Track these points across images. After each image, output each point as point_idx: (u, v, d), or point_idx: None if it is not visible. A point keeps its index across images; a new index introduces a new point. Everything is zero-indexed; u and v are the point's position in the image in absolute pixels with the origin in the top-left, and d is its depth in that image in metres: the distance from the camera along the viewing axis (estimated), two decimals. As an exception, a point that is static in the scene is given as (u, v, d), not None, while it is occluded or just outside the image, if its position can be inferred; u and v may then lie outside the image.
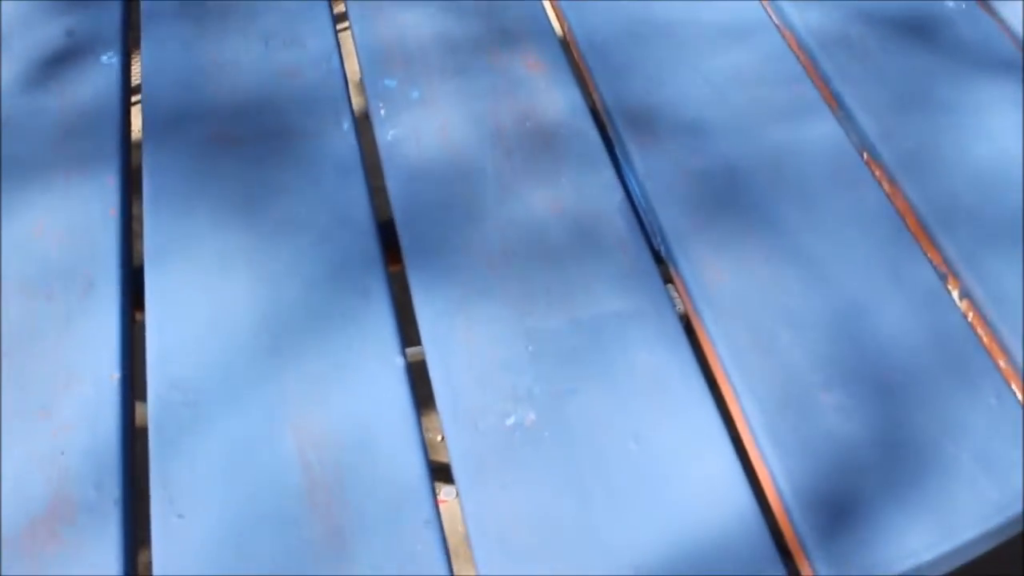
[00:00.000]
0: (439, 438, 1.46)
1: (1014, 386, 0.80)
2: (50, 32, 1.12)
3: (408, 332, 0.85)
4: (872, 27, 1.08)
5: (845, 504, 0.74)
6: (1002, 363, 0.82)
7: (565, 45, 1.10)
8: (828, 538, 0.73)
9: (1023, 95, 1.01)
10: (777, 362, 0.82)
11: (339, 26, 1.12)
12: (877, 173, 0.95)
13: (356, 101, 1.04)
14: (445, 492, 1.41)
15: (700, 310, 0.86)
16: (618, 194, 0.94)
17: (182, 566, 0.73)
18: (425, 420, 0.80)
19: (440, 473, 0.80)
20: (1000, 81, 1.02)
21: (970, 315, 0.85)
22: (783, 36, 1.08)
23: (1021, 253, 0.88)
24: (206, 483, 0.76)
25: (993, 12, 1.10)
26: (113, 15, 1.14)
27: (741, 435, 0.80)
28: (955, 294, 0.86)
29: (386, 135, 1.00)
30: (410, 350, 0.84)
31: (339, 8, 1.15)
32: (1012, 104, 1.00)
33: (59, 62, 1.08)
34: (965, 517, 0.74)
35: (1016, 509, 0.74)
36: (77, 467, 0.77)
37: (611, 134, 1.01)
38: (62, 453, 0.78)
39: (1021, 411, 0.79)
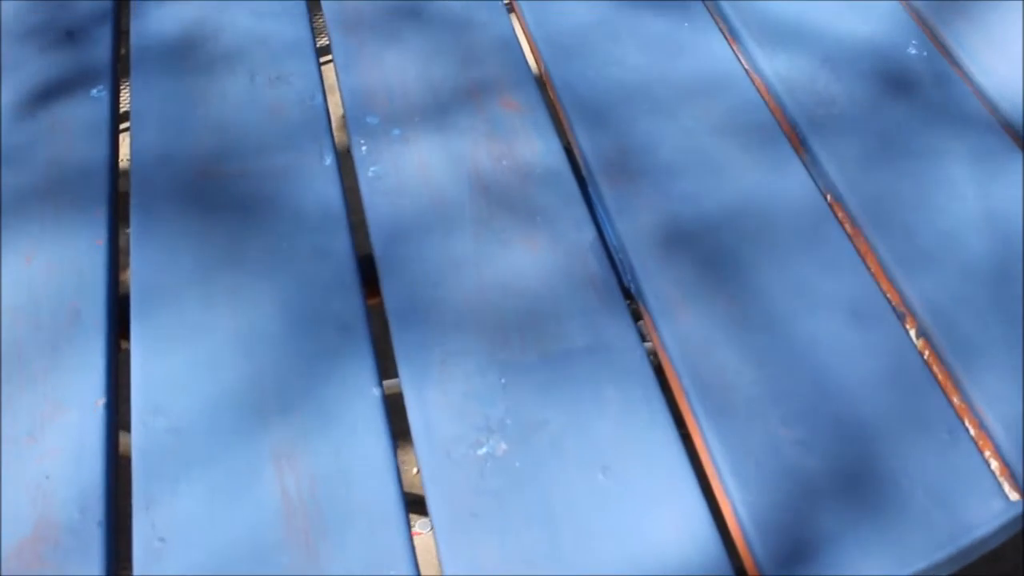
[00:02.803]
0: (414, 471, 1.48)
1: (966, 422, 0.84)
2: (41, 65, 1.15)
3: (385, 365, 0.88)
4: (839, 76, 1.12)
5: (802, 534, 0.77)
6: (955, 400, 0.85)
7: (543, 87, 1.13)
8: (785, 566, 0.76)
9: (983, 146, 1.05)
10: (740, 398, 0.85)
11: (322, 59, 1.16)
12: (840, 216, 0.99)
13: (338, 137, 1.07)
14: (420, 525, 1.43)
15: (667, 346, 0.89)
16: (590, 233, 0.97)
17: (162, 588, 0.75)
18: (401, 454, 0.82)
19: (415, 505, 0.82)
20: (962, 132, 1.06)
21: (926, 353, 0.88)
22: (753, 83, 1.12)
23: (976, 295, 0.92)
24: (188, 508, 0.79)
25: (957, 65, 1.14)
26: (103, 50, 1.17)
27: (704, 467, 0.83)
28: (912, 333, 0.90)
29: (367, 171, 1.03)
30: (388, 383, 0.87)
31: (322, 41, 1.18)
32: (972, 154, 1.04)
33: (50, 94, 1.11)
34: (917, 548, 0.77)
35: (965, 540, 0.77)
36: (62, 491, 0.80)
37: (585, 174, 1.04)
38: (47, 477, 0.80)
39: (973, 446, 0.82)
